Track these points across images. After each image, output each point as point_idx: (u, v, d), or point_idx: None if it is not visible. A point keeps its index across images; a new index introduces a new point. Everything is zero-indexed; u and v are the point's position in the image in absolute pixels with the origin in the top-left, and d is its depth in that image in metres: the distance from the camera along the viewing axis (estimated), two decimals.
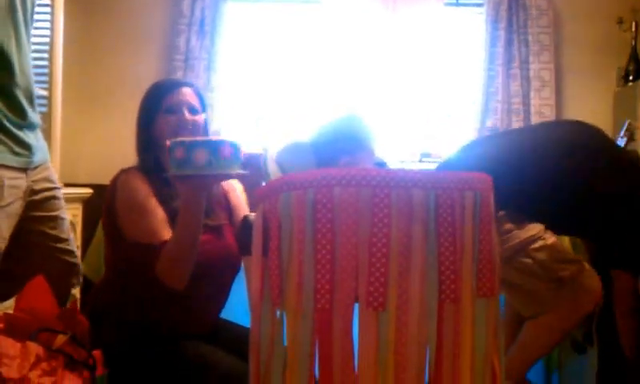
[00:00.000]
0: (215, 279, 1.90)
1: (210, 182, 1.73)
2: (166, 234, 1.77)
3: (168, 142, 1.66)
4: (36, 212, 2.00)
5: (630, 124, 2.54)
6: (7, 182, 1.89)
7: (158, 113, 1.94)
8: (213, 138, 1.66)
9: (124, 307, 1.84)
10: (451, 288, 1.46)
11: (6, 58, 1.86)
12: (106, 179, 3.25)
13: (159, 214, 1.80)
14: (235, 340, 1.92)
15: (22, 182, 1.93)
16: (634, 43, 3.12)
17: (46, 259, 2.01)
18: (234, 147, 1.65)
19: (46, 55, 3.10)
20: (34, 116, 2.02)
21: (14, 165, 1.91)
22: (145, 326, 1.82)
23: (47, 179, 2.05)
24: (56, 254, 2.05)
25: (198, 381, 1.76)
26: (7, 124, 1.89)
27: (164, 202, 1.83)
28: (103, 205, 1.88)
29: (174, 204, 1.82)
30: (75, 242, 2.33)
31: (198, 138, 1.66)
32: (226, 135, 1.68)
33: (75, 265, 2.11)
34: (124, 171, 1.90)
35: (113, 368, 1.68)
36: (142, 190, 1.83)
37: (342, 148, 1.91)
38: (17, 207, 1.91)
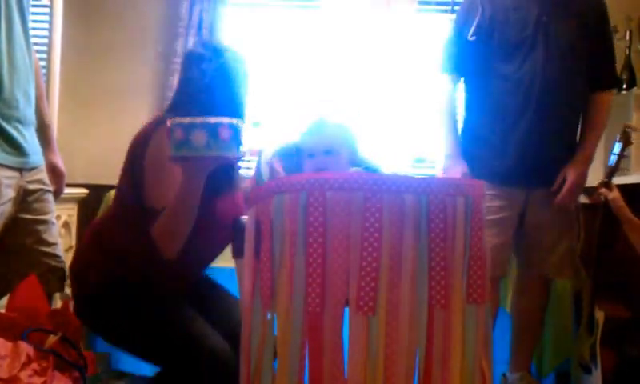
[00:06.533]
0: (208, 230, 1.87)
1: (208, 164, 1.67)
2: None
3: (168, 122, 1.61)
4: (28, 214, 1.99)
5: (626, 127, 2.51)
6: (4, 181, 1.88)
7: None
8: (212, 119, 1.59)
9: (122, 241, 1.86)
10: (441, 294, 1.47)
11: None
12: (101, 180, 3.28)
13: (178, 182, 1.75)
14: (225, 314, 1.96)
15: (15, 181, 1.93)
16: (627, 52, 3.13)
17: (32, 261, 2.00)
18: (234, 129, 1.60)
19: (44, 56, 3.10)
20: (30, 112, 2.00)
21: (8, 164, 1.90)
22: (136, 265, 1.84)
23: (41, 181, 2.04)
24: (42, 257, 2.04)
25: (178, 351, 1.81)
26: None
27: None
28: (133, 142, 1.86)
29: None
30: (64, 246, 2.32)
31: (197, 119, 1.59)
32: (225, 117, 1.63)
33: (60, 270, 2.09)
34: (163, 124, 1.78)
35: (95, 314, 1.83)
36: None
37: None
38: (9, 207, 1.91)
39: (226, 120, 1.59)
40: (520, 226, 2.56)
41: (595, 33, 2.50)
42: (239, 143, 1.62)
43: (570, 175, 2.44)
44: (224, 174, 1.87)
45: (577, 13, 2.46)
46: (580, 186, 2.48)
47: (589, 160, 2.52)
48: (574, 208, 2.57)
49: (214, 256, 2.00)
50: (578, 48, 2.45)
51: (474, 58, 2.47)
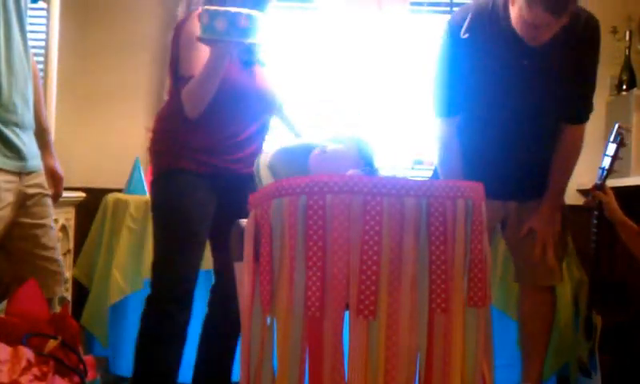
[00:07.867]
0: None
1: (229, 46, 1.96)
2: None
3: (200, 9, 1.97)
4: (27, 218, 1.99)
5: (619, 128, 2.44)
6: (3, 186, 1.88)
7: None
8: (232, 9, 1.91)
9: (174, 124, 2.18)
10: (442, 297, 1.46)
11: None
12: (99, 183, 3.28)
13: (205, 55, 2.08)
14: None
15: (15, 186, 1.92)
16: (627, 52, 3.12)
17: (30, 266, 1.99)
18: (251, 19, 1.89)
19: (41, 58, 3.09)
20: (28, 116, 2.00)
21: (7, 168, 1.90)
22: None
23: (40, 186, 2.04)
24: (41, 261, 2.03)
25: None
26: None
27: None
28: (175, 29, 2.21)
29: None
30: (61, 250, 2.31)
31: (220, 9, 1.91)
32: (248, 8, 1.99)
33: (59, 274, 2.09)
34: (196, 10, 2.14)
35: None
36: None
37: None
38: (8, 212, 1.90)
39: (245, 11, 1.90)
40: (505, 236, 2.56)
41: (582, 66, 2.33)
42: (255, 32, 1.92)
43: (539, 232, 2.38)
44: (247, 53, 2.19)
45: (566, 43, 2.27)
46: (553, 232, 2.40)
47: (557, 207, 2.42)
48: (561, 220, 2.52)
49: (246, 125, 2.20)
50: (557, 77, 2.31)
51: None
